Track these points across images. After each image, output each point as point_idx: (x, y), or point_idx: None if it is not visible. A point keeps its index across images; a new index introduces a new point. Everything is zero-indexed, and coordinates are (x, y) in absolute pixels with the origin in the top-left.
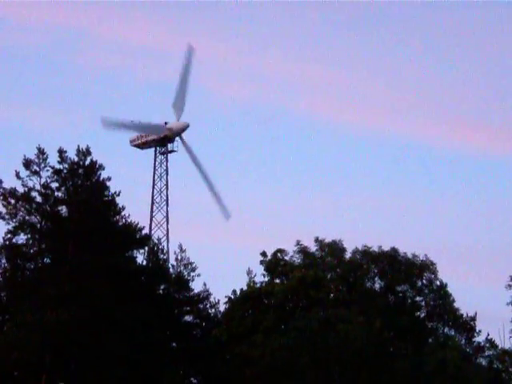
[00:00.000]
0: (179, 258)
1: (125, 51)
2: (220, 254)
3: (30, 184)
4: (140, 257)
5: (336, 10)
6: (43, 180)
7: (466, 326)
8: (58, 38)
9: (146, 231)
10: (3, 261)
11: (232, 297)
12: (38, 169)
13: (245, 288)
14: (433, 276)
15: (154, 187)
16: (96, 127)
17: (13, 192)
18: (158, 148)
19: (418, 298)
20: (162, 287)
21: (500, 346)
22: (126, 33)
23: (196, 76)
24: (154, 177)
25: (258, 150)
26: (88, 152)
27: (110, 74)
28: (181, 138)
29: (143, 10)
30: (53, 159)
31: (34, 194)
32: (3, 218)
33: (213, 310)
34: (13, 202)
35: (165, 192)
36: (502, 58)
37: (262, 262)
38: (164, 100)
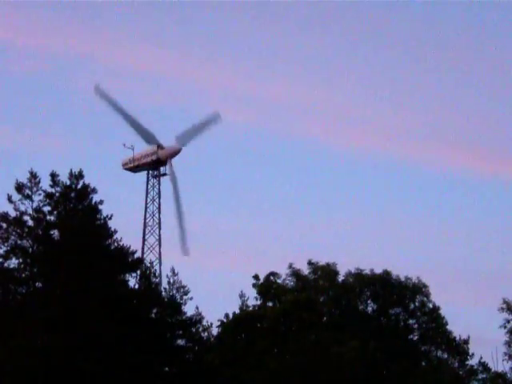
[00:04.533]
0: (171, 281)
1: (120, 75)
2: (212, 277)
3: (22, 208)
4: (132, 280)
5: (338, 33)
6: (35, 204)
7: (459, 349)
8: (49, 62)
9: (138, 255)
10: None
11: (224, 320)
12: (30, 193)
13: (237, 311)
14: (425, 299)
15: (146, 210)
16: (88, 150)
17: (4, 216)
18: (150, 171)
19: (410, 321)
20: (154, 311)
21: (493, 369)
22: (119, 57)
23: (194, 101)
24: (146, 200)
25: (251, 172)
26: (80, 175)
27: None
28: (169, 162)
29: (140, 34)
30: (45, 183)
31: (25, 217)
32: None
33: (205, 334)
34: (4, 226)
35: (157, 215)
36: (500, 79)
37: (254, 285)
38: (159, 124)
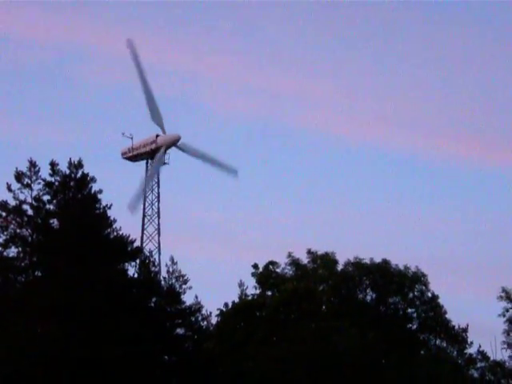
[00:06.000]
0: (171, 270)
1: (118, 65)
2: (212, 266)
3: (22, 197)
4: (131, 269)
5: (334, 25)
6: (35, 193)
7: (458, 338)
8: (48, 52)
9: (137, 244)
10: None
11: (224, 309)
12: (29, 181)
13: (236, 300)
14: (424, 288)
15: (145, 200)
16: (87, 140)
17: (4, 205)
18: (149, 160)
19: (409, 310)
20: (153, 300)
21: (492, 358)
22: (121, 49)
23: (195, 92)
24: (145, 189)
25: (249, 161)
26: (80, 165)
27: (101, 86)
28: (178, 148)
29: (141, 27)
30: (44, 172)
31: (25, 206)
32: None
33: (205, 323)
34: (4, 214)
35: (156, 204)
36: (494, 68)
37: (253, 275)
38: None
